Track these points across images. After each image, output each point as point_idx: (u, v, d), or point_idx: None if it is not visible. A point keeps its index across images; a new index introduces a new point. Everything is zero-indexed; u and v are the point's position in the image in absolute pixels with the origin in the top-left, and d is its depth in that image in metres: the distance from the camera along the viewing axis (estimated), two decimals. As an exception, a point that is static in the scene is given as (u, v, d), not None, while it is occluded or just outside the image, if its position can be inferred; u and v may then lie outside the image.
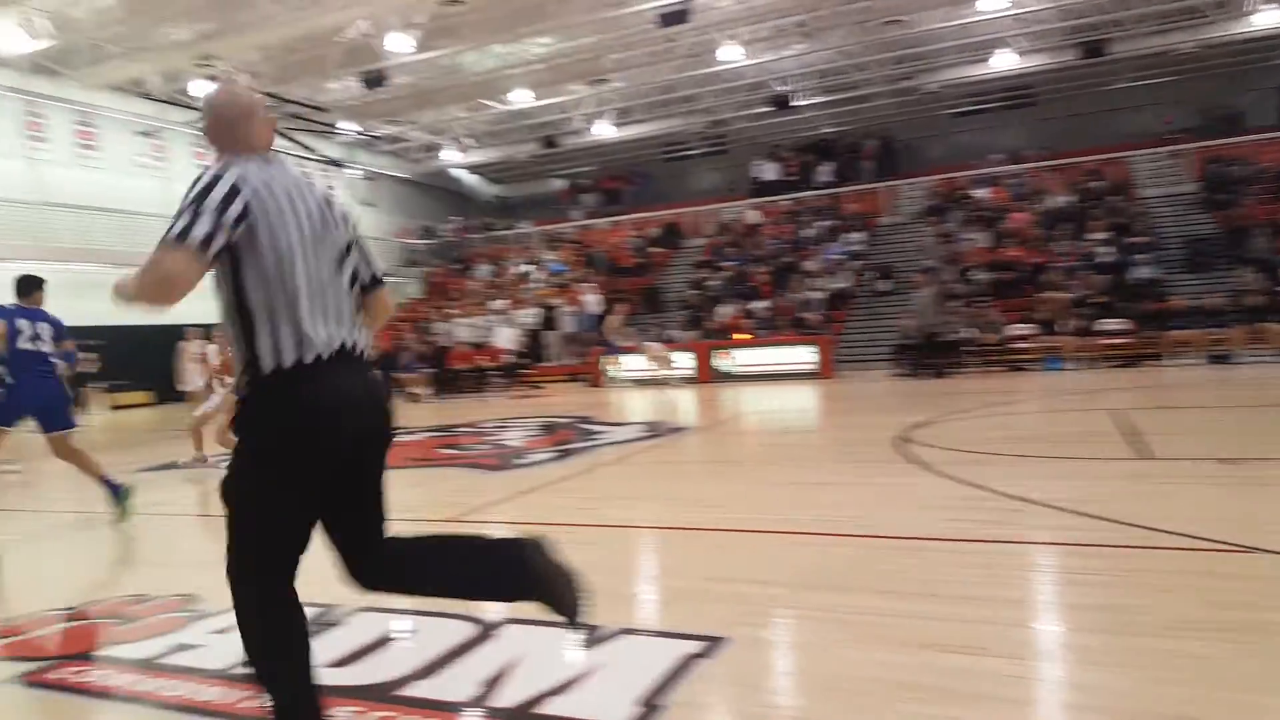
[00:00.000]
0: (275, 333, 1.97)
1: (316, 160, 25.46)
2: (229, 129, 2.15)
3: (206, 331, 9.58)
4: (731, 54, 19.57)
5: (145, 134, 20.58)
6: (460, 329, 20.29)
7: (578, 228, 26.77)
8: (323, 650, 2.95)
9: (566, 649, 2.95)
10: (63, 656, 3.14)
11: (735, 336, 17.52)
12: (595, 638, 2.98)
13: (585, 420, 10.71)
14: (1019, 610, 3.16)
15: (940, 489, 5.25)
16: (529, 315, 20.90)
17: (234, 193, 1.93)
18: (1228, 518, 4.17)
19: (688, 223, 24.66)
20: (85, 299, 10.39)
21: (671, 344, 17.20)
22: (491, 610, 3.29)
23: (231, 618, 2.14)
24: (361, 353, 2.15)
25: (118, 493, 5.76)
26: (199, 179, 1.97)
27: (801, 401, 12.62)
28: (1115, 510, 4.32)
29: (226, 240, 1.91)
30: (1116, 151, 20.88)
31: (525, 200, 30.97)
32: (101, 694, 2.79)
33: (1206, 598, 3.09)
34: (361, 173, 27.18)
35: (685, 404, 13.02)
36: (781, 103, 23.35)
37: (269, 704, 2.10)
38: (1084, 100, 23.40)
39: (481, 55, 20.14)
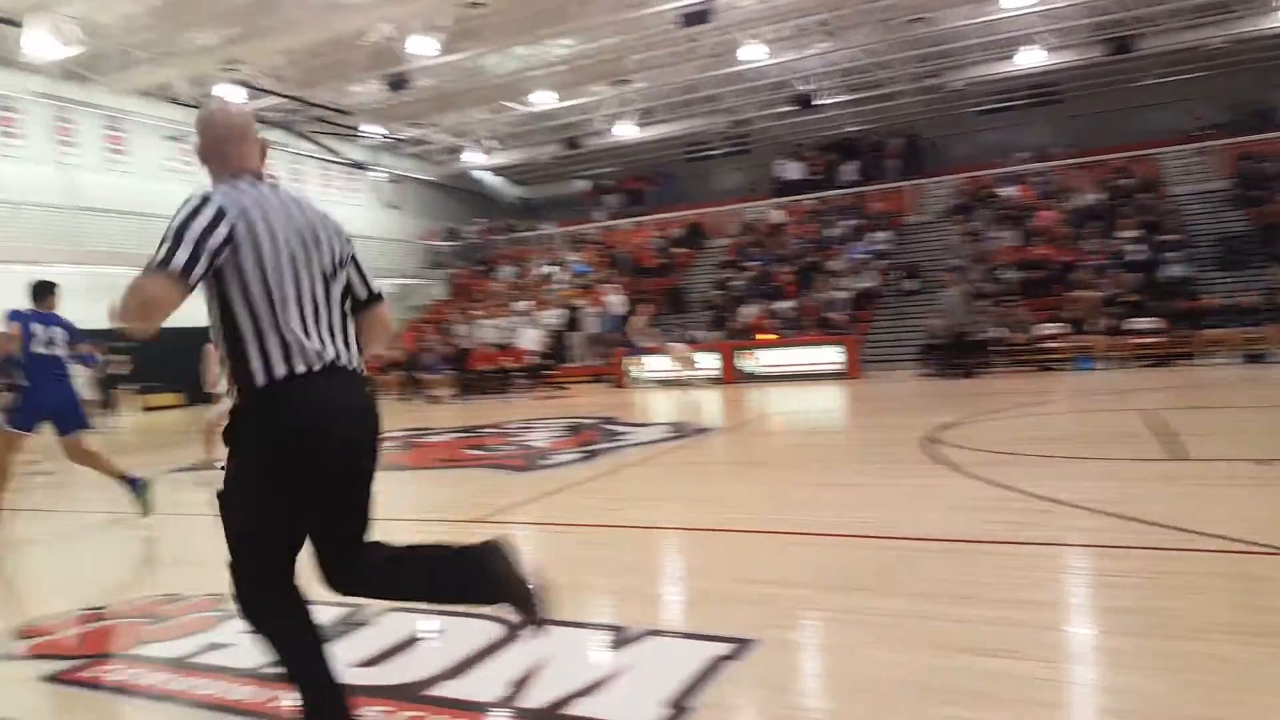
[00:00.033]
0: (264, 349, 2.03)
1: (342, 163, 25.69)
2: (220, 149, 2.21)
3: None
4: (754, 53, 19.49)
5: (173, 139, 20.83)
6: (484, 330, 20.37)
7: (601, 228, 26.79)
8: (351, 650, 2.97)
9: (594, 650, 2.95)
10: (96, 655, 3.18)
11: (759, 337, 17.45)
12: (622, 639, 2.97)
13: (610, 421, 10.71)
14: (1050, 613, 3.12)
15: (969, 490, 5.20)
16: (553, 316, 20.94)
17: (217, 220, 1.99)
18: (1261, 519, 4.09)
19: (711, 223, 24.60)
20: (116, 302, 10.51)
21: (695, 344, 17.16)
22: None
23: None
24: (354, 366, 2.20)
25: (137, 486, 5.82)
26: (184, 204, 2.02)
27: (827, 402, 12.55)
28: (1147, 512, 4.25)
29: (209, 266, 1.98)
30: (1145, 148, 20.58)
31: (548, 201, 31.05)
32: (134, 692, 2.83)
33: (1239, 600, 3.04)
34: (386, 175, 27.37)
35: (710, 405, 13.00)
36: (804, 102, 23.24)
37: (300, 704, 2.15)
38: (1112, 97, 23.09)
39: (504, 57, 20.21)
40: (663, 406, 13.05)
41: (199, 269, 1.96)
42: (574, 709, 2.46)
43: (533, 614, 2.23)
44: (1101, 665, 2.70)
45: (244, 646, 3.06)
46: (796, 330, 17.42)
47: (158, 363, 15.32)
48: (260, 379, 2.03)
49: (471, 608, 3.18)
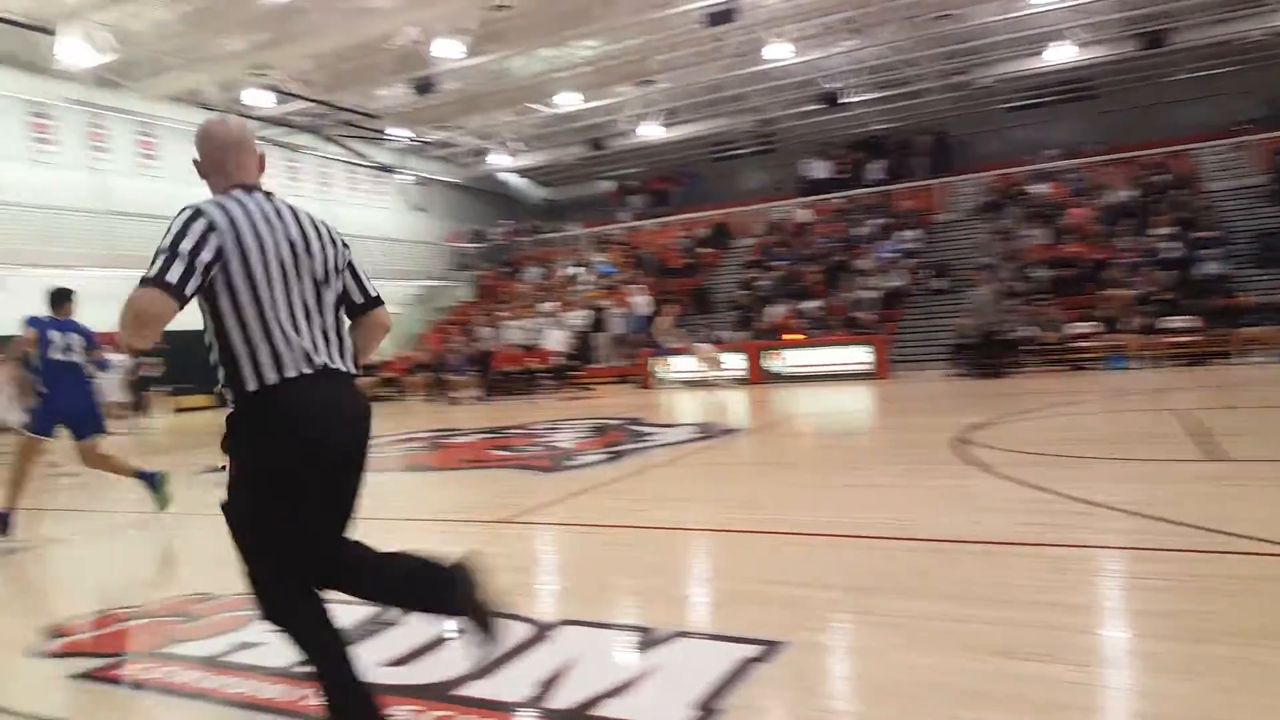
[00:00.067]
0: (254, 356, 2.10)
1: (369, 167, 25.91)
2: (218, 162, 2.31)
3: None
4: (779, 52, 19.41)
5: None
6: (510, 331, 20.45)
7: (626, 229, 26.81)
8: (380, 650, 2.99)
9: (622, 651, 2.94)
10: (129, 653, 3.22)
11: (786, 337, 17.37)
12: (650, 640, 2.96)
13: (635, 422, 10.70)
14: (1083, 616, 3.07)
15: (1001, 491, 5.13)
16: (578, 317, 20.98)
17: (206, 235, 2.07)
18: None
19: (737, 222, 24.53)
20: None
21: (721, 345, 17.11)
22: (547, 612, 3.29)
23: None
24: (347, 369, 2.26)
25: (154, 481, 5.87)
26: (177, 217, 2.10)
27: (856, 402, 12.46)
28: (1183, 513, 4.17)
29: (203, 279, 2.06)
30: (1180, 144, 20.24)
31: (573, 202, 31.12)
32: (166, 690, 2.85)
33: (1274, 605, 2.97)
34: (413, 178, 27.58)
35: (736, 405, 12.95)
36: (831, 100, 23.09)
37: (325, 703, 2.18)
38: (1145, 92, 22.73)
39: (529, 59, 20.28)
40: (689, 407, 13.02)
41: (192, 283, 2.03)
42: (602, 710, 2.45)
43: (489, 635, 2.29)
44: (1136, 669, 2.65)
45: (274, 645, 3.08)
46: (824, 330, 17.32)
47: (189, 364, 15.56)
48: (251, 384, 2.10)
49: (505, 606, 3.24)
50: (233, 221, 2.12)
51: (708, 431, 9.39)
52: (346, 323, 2.36)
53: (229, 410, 2.18)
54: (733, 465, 7.48)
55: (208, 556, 5.23)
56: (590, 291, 22.50)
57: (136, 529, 5.86)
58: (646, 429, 9.87)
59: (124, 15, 15.66)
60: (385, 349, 22.94)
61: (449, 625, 2.29)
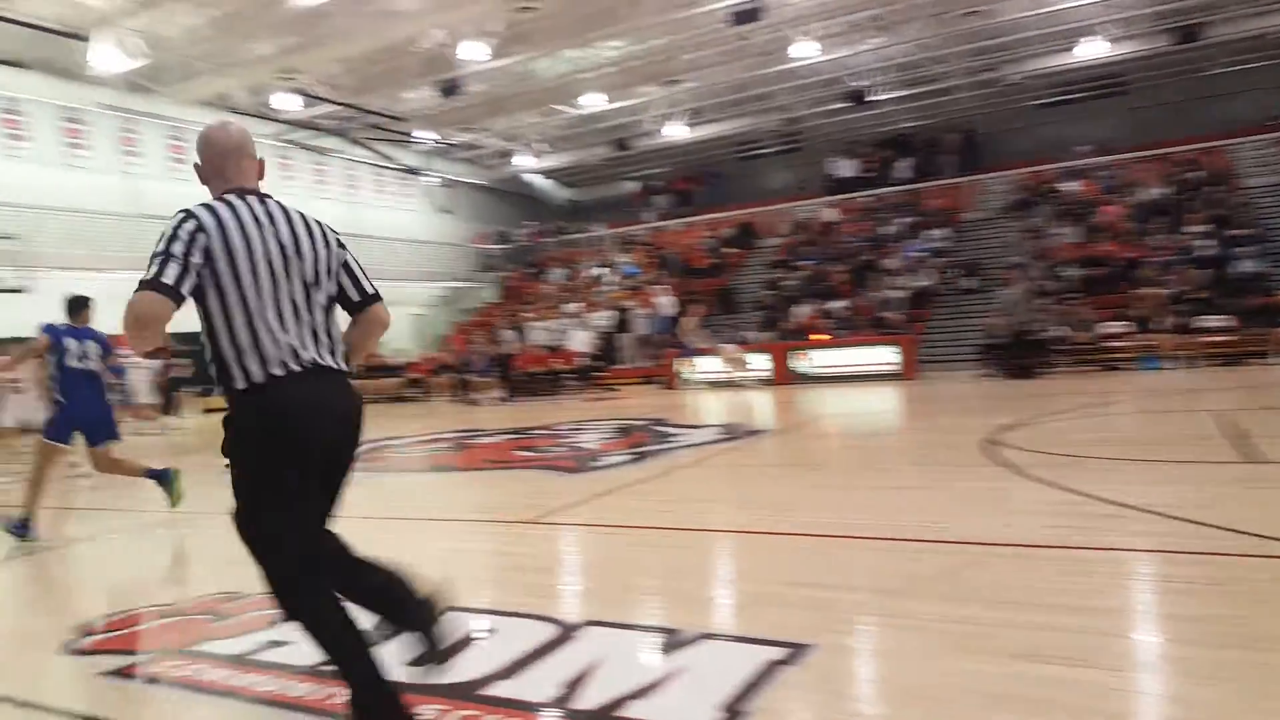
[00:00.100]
0: (241, 355, 2.18)
1: (395, 169, 26.11)
2: (219, 167, 2.39)
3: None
4: (805, 50, 19.32)
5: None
6: (535, 332, 20.52)
7: (650, 229, 26.80)
8: (407, 649, 2.99)
9: (647, 652, 2.92)
10: (158, 651, 3.25)
11: (813, 337, 17.26)
12: (675, 641, 2.94)
13: (660, 423, 10.68)
14: (1113, 620, 3.01)
15: (1031, 493, 5.06)
16: (602, 318, 21.00)
17: (195, 236, 2.15)
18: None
19: (762, 222, 24.44)
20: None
21: (746, 345, 17.05)
22: (572, 612, 3.29)
23: None
24: (337, 366, 2.33)
25: (165, 478, 5.91)
26: (171, 221, 2.19)
27: (883, 403, 12.35)
28: (1218, 516, 4.09)
29: (197, 279, 2.14)
30: (1215, 140, 19.87)
31: (597, 203, 31.17)
32: (195, 688, 2.88)
33: (1316, 610, 2.90)
34: (439, 180, 27.75)
35: (762, 406, 12.89)
36: (857, 98, 22.93)
37: (349, 701, 2.22)
38: (1178, 88, 22.35)
39: (554, 61, 20.34)
40: (714, 408, 12.98)
41: (187, 282, 2.12)
42: (627, 711, 2.44)
43: (438, 663, 2.38)
44: (1168, 674, 2.61)
45: (302, 644, 3.10)
46: (850, 330, 17.20)
47: (220, 365, 15.75)
48: (240, 382, 2.18)
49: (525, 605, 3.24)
50: (221, 224, 2.19)
51: (733, 432, 9.36)
52: (338, 322, 2.41)
53: (225, 414, 2.25)
54: (758, 467, 7.44)
55: (234, 555, 5.28)
56: (614, 292, 22.52)
57: (163, 528, 5.93)
58: (671, 430, 9.85)
59: (155, 21, 15.91)
60: (410, 350, 23.12)
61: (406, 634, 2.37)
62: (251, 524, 2.25)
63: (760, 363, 16.52)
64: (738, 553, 4.49)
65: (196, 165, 2.44)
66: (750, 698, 2.46)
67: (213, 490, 6.22)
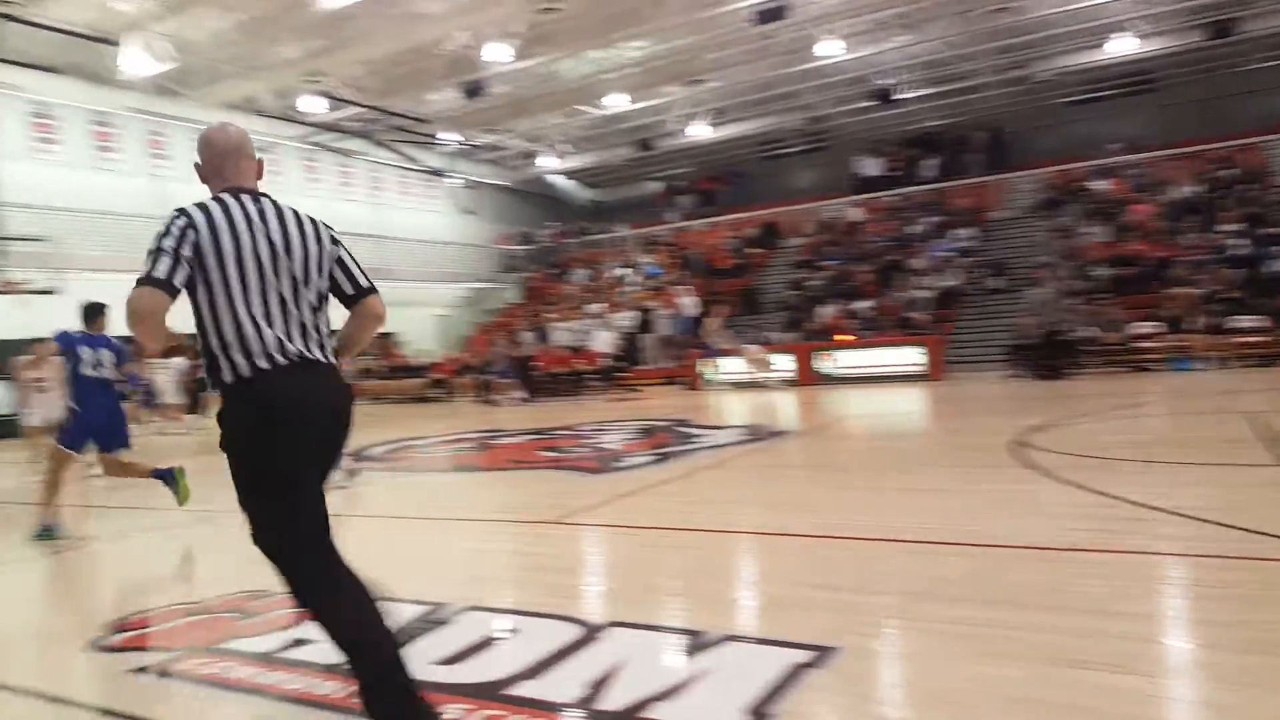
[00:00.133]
0: (228, 349, 2.24)
1: (420, 171, 26.27)
2: (217, 167, 2.46)
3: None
4: (830, 49, 19.20)
5: (260, 150, 21.52)
6: (557, 333, 20.55)
7: (673, 230, 26.76)
8: (432, 648, 3.00)
9: (671, 654, 2.91)
10: (186, 648, 3.28)
11: (837, 338, 17.15)
12: (700, 643, 2.93)
13: (683, 423, 10.66)
14: (1142, 624, 2.96)
15: (1061, 496, 4.99)
16: (625, 318, 20.99)
17: (185, 232, 2.23)
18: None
19: (786, 222, 24.31)
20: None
21: (770, 346, 16.97)
22: (595, 613, 3.28)
23: None
24: (325, 360, 2.37)
25: (171, 477, 5.92)
26: (163, 220, 2.26)
27: (909, 404, 12.25)
28: (1251, 519, 4.01)
29: (188, 272, 2.21)
30: (1249, 137, 19.51)
31: (620, 204, 31.17)
32: (223, 685, 2.90)
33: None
34: (462, 181, 27.88)
35: (786, 407, 12.83)
36: (883, 96, 22.74)
37: (362, 699, 2.24)
38: (1211, 84, 21.95)
39: (577, 61, 20.35)
40: (737, 409, 12.94)
41: (179, 275, 2.19)
42: (652, 713, 2.43)
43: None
44: (1201, 680, 2.56)
45: (328, 642, 3.12)
46: (876, 331, 17.06)
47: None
48: (228, 376, 2.25)
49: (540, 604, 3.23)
50: (211, 221, 2.26)
51: (757, 433, 9.32)
52: (329, 318, 2.46)
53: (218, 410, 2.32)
54: (782, 468, 7.40)
55: (258, 553, 5.34)
56: (637, 293, 22.51)
57: (191, 526, 5.98)
58: (695, 431, 9.82)
59: (183, 25, 16.10)
60: (434, 351, 23.26)
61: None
62: (252, 509, 2.31)
63: (784, 363, 16.44)
64: (761, 554, 4.46)
65: (197, 165, 2.51)
66: (776, 700, 2.44)
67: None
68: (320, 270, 2.41)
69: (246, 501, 2.31)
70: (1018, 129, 24.38)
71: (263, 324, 2.25)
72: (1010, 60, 21.61)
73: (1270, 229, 15.77)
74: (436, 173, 26.82)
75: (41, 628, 4.01)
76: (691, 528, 4.98)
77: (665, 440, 9.03)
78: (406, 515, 6.30)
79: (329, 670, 2.85)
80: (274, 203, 2.41)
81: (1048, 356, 13.61)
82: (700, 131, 24.83)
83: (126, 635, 3.53)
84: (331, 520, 2.37)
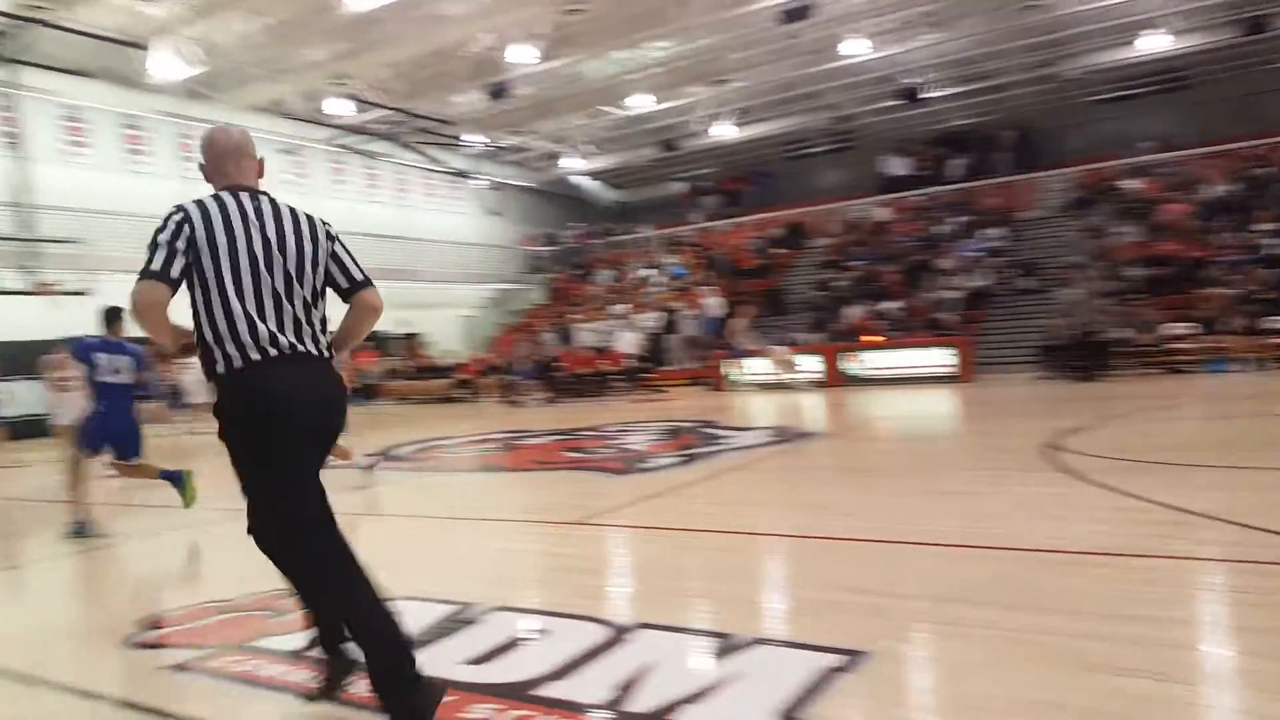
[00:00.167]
0: (220, 341, 2.32)
1: (445, 172, 26.41)
2: (220, 167, 2.55)
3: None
4: (856, 48, 19.07)
5: (287, 152, 21.81)
6: (582, 334, 20.57)
7: (698, 230, 26.69)
8: (461, 648, 3.01)
9: (700, 657, 2.88)
10: (218, 645, 3.31)
11: (865, 338, 17.02)
12: (728, 646, 2.90)
13: (709, 425, 10.61)
14: (1178, 630, 2.91)
15: (1094, 499, 4.91)
16: (650, 319, 20.97)
17: (181, 226, 2.33)
18: None
19: (812, 222, 24.18)
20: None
21: (796, 347, 16.88)
22: (623, 614, 3.26)
23: None
24: (318, 354, 2.44)
25: (179, 479, 5.96)
26: (162, 216, 2.37)
27: (939, 406, 12.13)
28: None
29: (184, 263, 2.31)
30: (1285, 134, 19.13)
31: (645, 204, 31.15)
32: (254, 682, 2.92)
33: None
34: (487, 183, 28.00)
35: (812, 409, 12.76)
36: (910, 95, 22.53)
37: (371, 684, 2.36)
38: (1245, 81, 21.53)
39: (601, 62, 20.37)
40: (763, 410, 12.88)
41: (175, 266, 2.30)
42: (681, 716, 2.41)
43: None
44: (1239, 688, 2.51)
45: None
46: (904, 331, 16.91)
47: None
48: (220, 367, 2.33)
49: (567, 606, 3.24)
50: (207, 216, 2.36)
51: (783, 435, 9.26)
52: (324, 313, 2.52)
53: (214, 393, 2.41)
54: (809, 470, 7.35)
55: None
56: (662, 293, 22.48)
57: (222, 525, 6.03)
58: (720, 432, 9.78)
59: (211, 29, 16.31)
60: (460, 351, 23.36)
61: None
62: (250, 498, 2.40)
63: (810, 364, 16.34)
64: (789, 557, 4.43)
65: (201, 165, 2.58)
66: (806, 705, 2.42)
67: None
68: (315, 266, 2.48)
69: (245, 488, 2.40)
70: (1047, 127, 24.06)
71: (255, 317, 2.32)
72: (1039, 58, 21.34)
73: (1307, 228, 15.46)
74: (461, 174, 26.96)
75: (75, 624, 4.06)
76: (718, 529, 4.95)
77: (691, 441, 9.00)
78: (433, 515, 6.33)
79: (359, 669, 2.86)
80: (272, 200, 2.49)
81: (1080, 358, 13.42)
82: (725, 131, 24.75)
83: (159, 632, 3.57)
84: (332, 506, 2.45)
